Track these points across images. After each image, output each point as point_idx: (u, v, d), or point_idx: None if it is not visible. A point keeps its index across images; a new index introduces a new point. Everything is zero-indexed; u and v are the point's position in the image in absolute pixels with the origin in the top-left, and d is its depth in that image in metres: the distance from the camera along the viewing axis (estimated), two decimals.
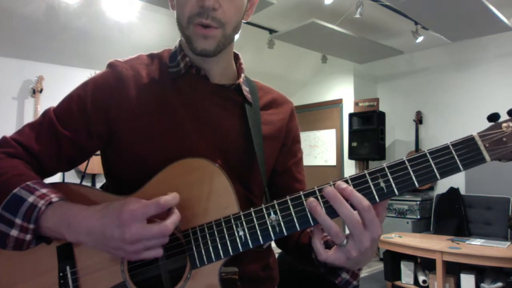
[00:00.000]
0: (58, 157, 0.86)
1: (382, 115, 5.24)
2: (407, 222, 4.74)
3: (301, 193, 0.72)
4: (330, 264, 0.80)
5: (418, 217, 4.76)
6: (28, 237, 0.72)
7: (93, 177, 4.37)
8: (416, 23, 4.27)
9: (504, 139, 0.67)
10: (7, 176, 0.75)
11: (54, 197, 0.73)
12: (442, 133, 5.13)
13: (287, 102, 1.06)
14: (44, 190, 0.74)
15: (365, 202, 0.68)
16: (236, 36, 0.94)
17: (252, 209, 0.74)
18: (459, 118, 4.91)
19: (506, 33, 4.25)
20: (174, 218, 0.70)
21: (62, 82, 4.22)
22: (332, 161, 5.88)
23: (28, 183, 0.74)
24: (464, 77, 5.00)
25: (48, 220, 0.72)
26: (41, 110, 3.93)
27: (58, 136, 0.85)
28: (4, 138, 0.85)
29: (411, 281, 3.80)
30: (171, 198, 0.71)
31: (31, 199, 0.72)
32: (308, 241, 0.91)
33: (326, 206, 0.70)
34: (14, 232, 0.71)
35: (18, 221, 0.71)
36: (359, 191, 0.69)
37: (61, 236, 0.73)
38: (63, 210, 0.72)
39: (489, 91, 4.70)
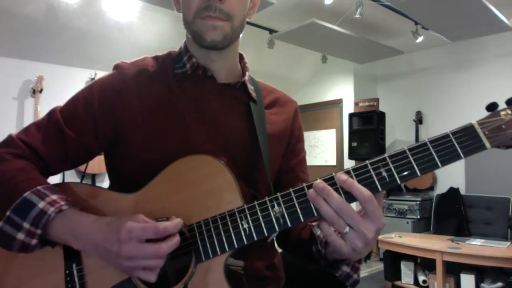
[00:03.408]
0: (64, 159, 0.87)
1: (382, 115, 5.25)
2: (407, 222, 4.74)
3: (304, 185, 0.72)
4: (331, 257, 0.80)
5: (418, 217, 4.76)
6: (34, 241, 0.72)
7: (93, 177, 4.37)
8: (416, 23, 4.27)
9: (503, 126, 0.68)
10: (17, 180, 0.76)
11: (64, 205, 0.74)
12: (442, 133, 5.12)
13: (291, 102, 1.07)
14: (54, 197, 0.74)
15: (366, 192, 0.67)
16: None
17: (256, 202, 0.75)
18: (459, 118, 4.90)
19: (506, 33, 4.25)
20: (171, 242, 0.69)
21: (62, 82, 4.23)
22: (332, 161, 5.88)
23: (38, 187, 0.74)
24: (464, 77, 5.00)
25: (56, 227, 0.73)
26: (41, 110, 3.94)
27: (64, 138, 0.86)
28: (11, 137, 0.85)
29: (411, 281, 3.80)
30: (171, 226, 0.70)
31: (41, 205, 0.72)
32: (309, 236, 0.92)
33: None
34: (20, 236, 0.72)
35: (26, 225, 0.71)
36: (361, 180, 0.69)
37: (67, 244, 0.74)
38: (71, 220, 0.73)
39: (489, 91, 4.70)
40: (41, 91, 4.00)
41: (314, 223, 0.91)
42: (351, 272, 0.82)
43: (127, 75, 0.90)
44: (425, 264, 3.81)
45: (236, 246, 0.74)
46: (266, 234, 0.73)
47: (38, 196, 0.73)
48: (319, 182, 0.70)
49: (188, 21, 0.88)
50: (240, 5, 0.88)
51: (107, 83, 0.90)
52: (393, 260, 3.87)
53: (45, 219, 0.71)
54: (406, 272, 3.83)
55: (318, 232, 0.89)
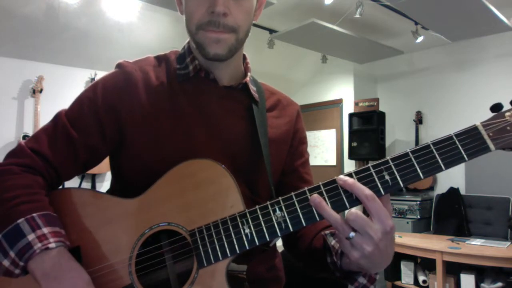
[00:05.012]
0: (75, 163, 0.87)
1: (382, 115, 5.24)
2: (407, 222, 4.74)
3: (306, 189, 0.72)
4: (347, 268, 0.78)
5: (418, 217, 4.75)
6: (17, 271, 0.72)
7: (93, 177, 4.37)
8: (416, 23, 4.27)
9: (508, 128, 0.67)
10: (17, 201, 0.74)
11: (52, 242, 0.72)
12: (442, 133, 4.96)
13: (293, 104, 1.06)
14: (45, 230, 0.73)
15: (367, 191, 0.67)
16: None
17: (257, 207, 0.74)
18: (459, 118, 4.90)
19: (506, 33, 4.25)
20: None
21: (62, 82, 4.22)
22: (332, 161, 5.88)
23: (34, 215, 0.73)
24: (464, 77, 5.00)
25: (36, 261, 0.71)
26: (41, 110, 3.94)
27: (73, 141, 0.85)
28: (21, 146, 0.84)
29: (411, 281, 3.80)
30: None
31: (30, 237, 0.71)
32: (322, 245, 0.89)
33: (331, 201, 0.70)
34: (6, 263, 0.71)
35: (12, 254, 0.71)
36: (363, 184, 0.69)
37: (36, 279, 0.71)
38: (53, 261, 0.71)
39: (489, 91, 4.69)
40: (41, 91, 4.00)
41: (327, 232, 0.88)
42: (367, 283, 0.79)
43: (129, 75, 0.89)
44: (425, 264, 3.81)
45: (238, 251, 0.73)
46: (268, 239, 0.72)
47: (30, 226, 0.72)
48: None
49: (191, 31, 0.87)
50: (245, 16, 0.86)
51: (110, 82, 0.90)
52: (393, 260, 3.84)
53: (29, 253, 0.70)
54: (406, 272, 3.83)
55: (333, 242, 0.84)
